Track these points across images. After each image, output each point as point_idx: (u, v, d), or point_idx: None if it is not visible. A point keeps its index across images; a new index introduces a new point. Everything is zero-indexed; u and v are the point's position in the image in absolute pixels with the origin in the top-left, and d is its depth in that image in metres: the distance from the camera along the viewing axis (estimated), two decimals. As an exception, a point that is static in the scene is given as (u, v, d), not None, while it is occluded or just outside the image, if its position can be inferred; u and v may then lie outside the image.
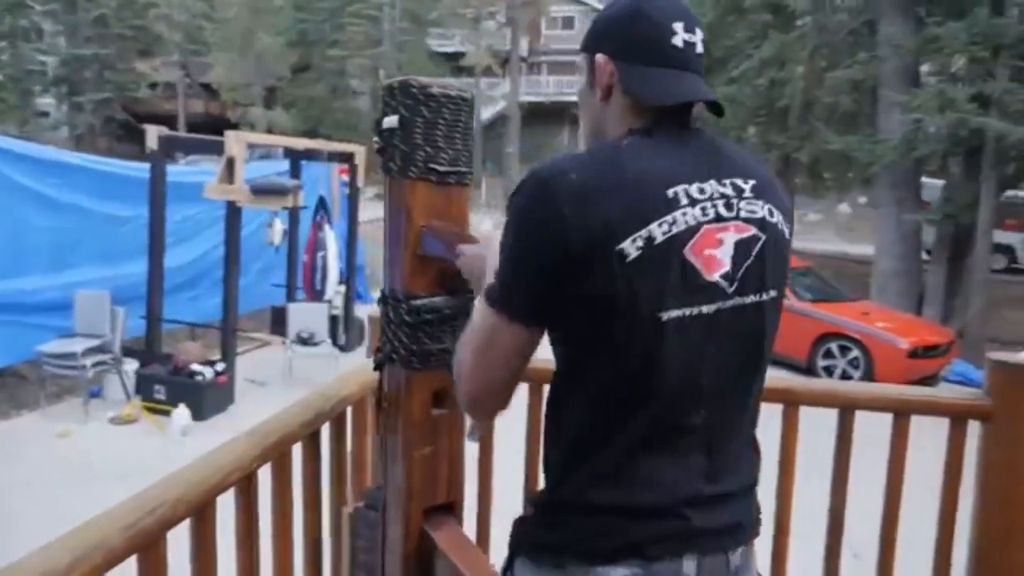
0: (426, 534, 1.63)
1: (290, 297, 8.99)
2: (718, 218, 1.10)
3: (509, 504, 1.89)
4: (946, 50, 11.69)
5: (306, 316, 7.50)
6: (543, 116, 32.25)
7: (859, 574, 2.31)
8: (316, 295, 7.69)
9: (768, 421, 1.83)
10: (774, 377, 1.49)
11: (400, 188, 1.57)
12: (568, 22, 34.50)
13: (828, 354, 9.13)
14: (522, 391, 2.02)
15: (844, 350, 9.04)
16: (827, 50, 14.07)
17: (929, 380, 8.75)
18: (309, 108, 29.13)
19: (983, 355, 9.83)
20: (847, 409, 1.99)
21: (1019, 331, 13.84)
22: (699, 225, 1.08)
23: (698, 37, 1.17)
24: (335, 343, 7.90)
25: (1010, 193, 13.49)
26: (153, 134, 6.64)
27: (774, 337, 1.20)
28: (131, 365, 6.84)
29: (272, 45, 27.00)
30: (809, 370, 9.09)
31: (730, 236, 1.10)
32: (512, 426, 1.94)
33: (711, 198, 1.10)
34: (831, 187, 18.45)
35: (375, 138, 1.61)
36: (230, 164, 6.18)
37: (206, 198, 6.41)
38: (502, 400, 1.17)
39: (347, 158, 8.57)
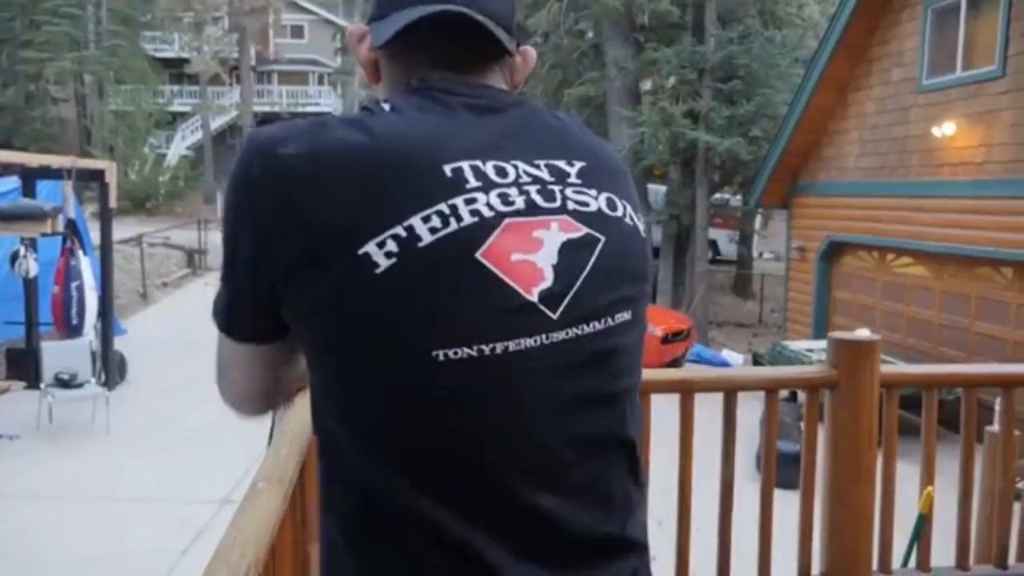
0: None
1: (30, 335, 7.87)
2: (531, 209, 0.79)
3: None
4: (662, 72, 13.34)
5: (64, 355, 6.63)
6: (277, 127, 31.12)
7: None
8: (72, 331, 6.82)
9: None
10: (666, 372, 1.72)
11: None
12: (297, 31, 33.62)
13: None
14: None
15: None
16: (561, 69, 15.34)
17: (677, 362, 9.97)
18: (-2, 117, 25.34)
19: (707, 335, 11.43)
20: (731, 392, 2.35)
21: (729, 313, 16.21)
22: (499, 217, 0.77)
23: None
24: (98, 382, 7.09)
25: (716, 196, 15.70)
26: None
27: (635, 378, 0.88)
28: None
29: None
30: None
31: (553, 235, 0.79)
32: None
33: (517, 182, 0.79)
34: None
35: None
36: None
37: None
38: (263, 405, 0.99)
39: (94, 175, 7.71)
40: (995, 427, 2.97)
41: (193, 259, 18.11)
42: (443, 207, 0.75)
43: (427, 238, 0.73)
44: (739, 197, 16.28)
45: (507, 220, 0.77)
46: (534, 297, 0.76)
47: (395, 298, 0.73)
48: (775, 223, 18.03)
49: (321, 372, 0.81)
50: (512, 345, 0.75)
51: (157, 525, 5.06)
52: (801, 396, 2.48)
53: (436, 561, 0.77)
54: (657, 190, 15.64)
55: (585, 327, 0.79)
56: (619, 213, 0.85)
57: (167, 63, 29.57)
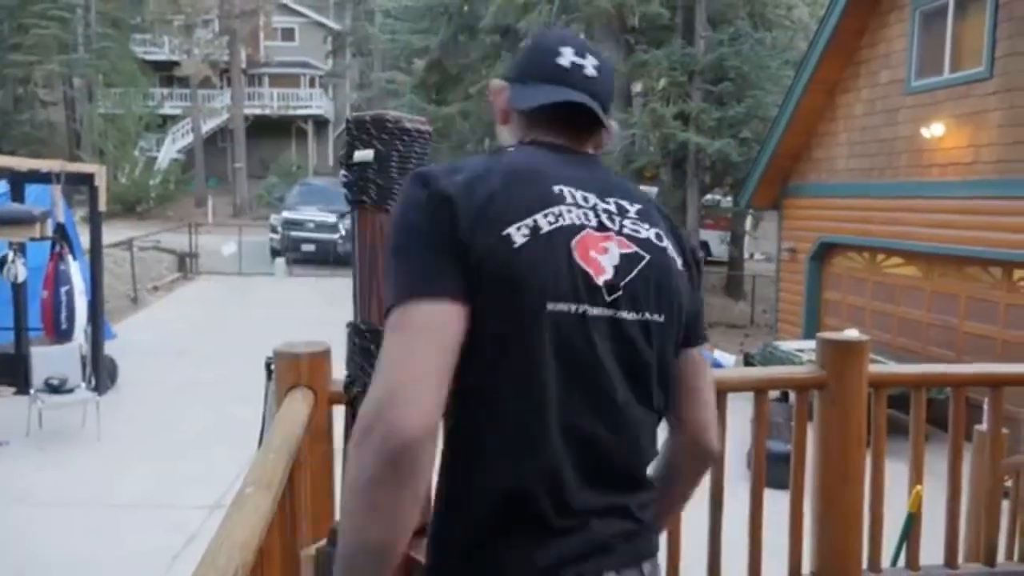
0: (411, 559, 1.66)
1: (19, 340, 7.82)
2: (601, 227, 1.12)
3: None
4: (653, 74, 13.38)
5: (54, 360, 6.59)
6: (268, 130, 31.00)
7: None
8: (61, 336, 6.78)
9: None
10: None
11: (375, 220, 1.59)
12: (288, 34, 33.55)
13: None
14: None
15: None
16: (552, 71, 15.34)
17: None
18: (-14, 120, 25.20)
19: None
20: (720, 393, 2.35)
21: (720, 314, 16.24)
22: (582, 226, 1.10)
23: (589, 62, 1.21)
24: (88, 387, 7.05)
25: (707, 197, 15.75)
26: None
27: (664, 369, 1.16)
28: None
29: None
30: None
31: (614, 246, 1.11)
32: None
33: (594, 208, 1.13)
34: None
35: (342, 171, 1.61)
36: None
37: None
38: (429, 402, 0.97)
39: (84, 179, 7.68)
40: (983, 426, 2.99)
41: (184, 263, 18.03)
42: (555, 209, 1.08)
43: (546, 227, 1.06)
44: (730, 198, 16.32)
45: (586, 230, 1.10)
46: (600, 283, 1.08)
47: (526, 264, 1.04)
48: (766, 224, 18.09)
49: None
50: (588, 309, 1.07)
51: (149, 530, 5.04)
52: (792, 396, 2.48)
53: (522, 461, 1.04)
54: (648, 191, 15.66)
55: (626, 314, 1.10)
56: (664, 245, 1.17)
57: (157, 66, 29.45)
